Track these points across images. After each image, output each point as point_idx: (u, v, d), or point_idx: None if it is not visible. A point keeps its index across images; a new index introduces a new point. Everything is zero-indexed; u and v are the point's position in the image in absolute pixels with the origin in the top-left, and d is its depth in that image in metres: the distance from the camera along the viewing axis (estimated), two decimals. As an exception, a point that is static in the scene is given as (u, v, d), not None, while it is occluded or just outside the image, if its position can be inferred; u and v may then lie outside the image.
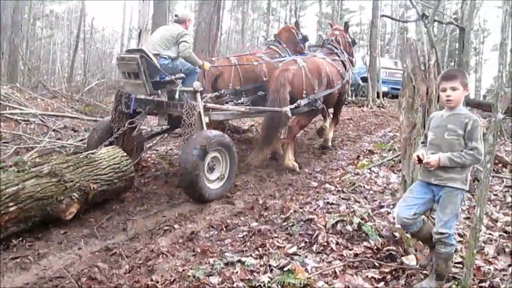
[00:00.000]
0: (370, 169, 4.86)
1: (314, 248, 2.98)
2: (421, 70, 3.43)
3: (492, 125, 2.30)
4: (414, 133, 3.37)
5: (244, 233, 3.38)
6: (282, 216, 3.63)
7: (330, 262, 2.78)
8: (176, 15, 5.40)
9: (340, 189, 4.28)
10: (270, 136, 5.15)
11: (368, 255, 2.84)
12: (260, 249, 2.99)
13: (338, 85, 6.04)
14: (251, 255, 2.87)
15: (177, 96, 4.80)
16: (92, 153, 4.08)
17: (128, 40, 21.34)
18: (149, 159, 5.68)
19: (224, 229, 3.51)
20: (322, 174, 5.19)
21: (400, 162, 4.97)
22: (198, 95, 4.59)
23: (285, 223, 3.47)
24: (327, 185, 4.44)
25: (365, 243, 2.99)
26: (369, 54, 15.84)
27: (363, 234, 3.12)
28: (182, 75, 4.99)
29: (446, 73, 2.63)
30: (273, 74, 5.71)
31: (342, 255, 2.85)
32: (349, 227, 3.21)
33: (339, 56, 6.50)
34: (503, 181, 4.20)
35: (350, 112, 10.64)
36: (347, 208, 3.61)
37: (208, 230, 3.50)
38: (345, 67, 6.44)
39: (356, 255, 2.86)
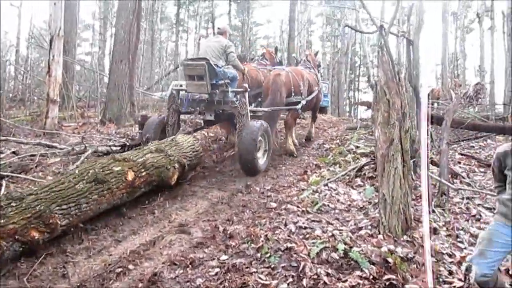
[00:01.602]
0: (327, 185, 4.65)
1: (304, 282, 2.64)
2: (394, 83, 3.28)
3: None
4: (392, 149, 3.20)
5: (216, 269, 2.92)
6: (253, 245, 3.23)
7: (329, 299, 2.45)
8: (218, 28, 6.76)
9: (303, 209, 3.98)
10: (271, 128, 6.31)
11: (366, 287, 2.56)
12: (243, 289, 2.57)
13: (316, 91, 7.87)
14: (236, 299, 2.44)
15: (230, 95, 6.18)
16: (174, 139, 5.31)
17: (28, 48, 19.31)
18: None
19: (190, 266, 3.02)
20: (275, 192, 4.89)
21: (356, 177, 4.87)
22: (246, 94, 6.09)
23: (259, 254, 3.08)
24: (288, 206, 4.12)
25: (358, 272, 2.72)
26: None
27: (352, 262, 2.84)
28: (228, 80, 6.17)
29: None
30: (266, 79, 7.21)
31: (339, 289, 2.54)
32: (334, 255, 2.92)
33: (312, 70, 8.39)
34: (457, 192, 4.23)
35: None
36: (323, 232, 3.33)
37: (171, 269, 2.98)
38: (318, 79, 8.31)
39: (352, 287, 2.57)
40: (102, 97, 13.31)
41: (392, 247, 2.97)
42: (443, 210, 3.63)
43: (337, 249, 2.96)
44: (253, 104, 6.96)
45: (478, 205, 3.91)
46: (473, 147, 6.71)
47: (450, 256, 2.91)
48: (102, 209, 3.80)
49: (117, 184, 3.94)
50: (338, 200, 4.21)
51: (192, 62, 6.11)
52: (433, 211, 3.61)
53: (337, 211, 3.94)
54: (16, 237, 2.97)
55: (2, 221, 2.93)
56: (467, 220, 3.50)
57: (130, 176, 4.10)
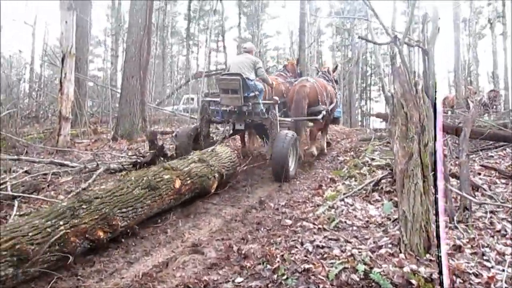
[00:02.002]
0: (343, 200, 4.52)
1: (323, 307, 2.52)
2: (411, 95, 3.17)
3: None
4: (412, 163, 3.08)
5: (232, 293, 2.82)
6: (268, 266, 3.11)
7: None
8: (244, 47, 7.29)
9: (320, 226, 3.86)
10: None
11: (390, 311, 2.43)
12: (262, 315, 2.45)
13: (334, 103, 8.35)
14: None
15: (261, 107, 6.71)
16: (213, 149, 5.80)
17: (41, 66, 19.56)
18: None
19: (204, 289, 2.92)
20: (290, 208, 4.77)
21: (374, 192, 4.73)
22: (276, 106, 6.67)
23: (275, 276, 2.96)
24: (304, 223, 4.00)
25: (380, 295, 2.59)
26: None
27: (373, 284, 2.71)
28: (257, 92, 6.78)
29: None
30: (292, 89, 7.68)
31: (362, 315, 2.41)
32: (354, 276, 2.78)
33: (332, 83, 8.84)
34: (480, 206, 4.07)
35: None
36: (341, 251, 3.19)
37: (186, 292, 2.88)
38: (336, 92, 8.85)
39: (375, 312, 2.44)
40: (115, 112, 13.39)
41: (414, 267, 2.84)
42: (467, 226, 3.48)
43: (357, 270, 2.83)
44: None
45: (503, 219, 3.74)
46: (492, 156, 6.53)
47: (476, 276, 2.76)
48: (152, 213, 4.24)
49: (167, 191, 4.40)
50: (355, 216, 4.07)
51: (227, 77, 6.66)
52: (456, 227, 3.46)
53: (354, 228, 3.81)
54: (86, 235, 3.38)
55: (76, 221, 3.36)
56: (492, 237, 3.34)
57: (178, 184, 4.57)
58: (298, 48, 18.85)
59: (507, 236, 3.39)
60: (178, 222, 4.34)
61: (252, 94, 6.66)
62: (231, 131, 7.54)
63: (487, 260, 2.93)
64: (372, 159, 6.62)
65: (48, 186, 5.41)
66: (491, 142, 6.65)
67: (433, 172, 3.79)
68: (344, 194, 4.82)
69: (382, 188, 4.75)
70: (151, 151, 6.15)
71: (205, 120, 7.12)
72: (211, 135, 7.55)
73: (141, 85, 9.53)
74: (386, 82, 43.34)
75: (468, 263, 2.90)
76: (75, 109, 9.74)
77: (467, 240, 3.24)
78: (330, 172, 6.60)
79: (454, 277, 2.71)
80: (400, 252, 3.05)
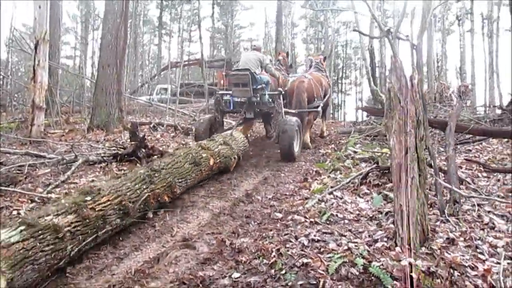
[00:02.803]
0: (332, 193, 4.52)
1: (327, 302, 2.50)
2: (408, 89, 3.17)
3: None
4: (408, 158, 3.09)
5: (230, 289, 2.76)
6: (265, 261, 3.07)
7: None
8: (254, 45, 8.66)
9: (311, 220, 3.84)
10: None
11: (394, 306, 2.43)
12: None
13: (329, 93, 9.52)
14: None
15: (267, 97, 7.75)
16: (232, 134, 6.64)
17: (8, 52, 18.70)
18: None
19: (200, 285, 2.84)
20: (278, 201, 4.73)
21: (362, 185, 4.76)
22: (281, 96, 7.80)
23: (273, 271, 2.92)
24: (295, 216, 3.98)
25: (381, 290, 2.59)
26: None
27: (373, 277, 2.71)
28: (264, 84, 7.72)
29: None
30: (292, 85, 8.57)
31: (366, 310, 2.40)
32: (354, 270, 2.78)
33: (324, 73, 9.70)
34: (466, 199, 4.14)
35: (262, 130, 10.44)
36: (338, 245, 3.18)
37: (181, 289, 2.80)
38: (329, 82, 9.84)
39: (379, 306, 2.44)
40: (87, 102, 12.99)
41: (412, 260, 2.85)
42: (458, 219, 3.53)
43: (356, 264, 2.82)
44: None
45: (489, 212, 3.83)
46: (470, 150, 6.69)
47: (472, 269, 2.80)
48: (193, 184, 5.11)
49: (204, 167, 5.32)
50: (346, 210, 4.08)
51: (238, 73, 7.59)
52: (447, 220, 3.51)
53: (346, 221, 3.81)
54: (158, 198, 4.21)
55: (152, 186, 4.16)
56: (482, 229, 3.41)
57: (211, 161, 5.51)
58: (275, 39, 18.84)
59: (495, 229, 3.46)
60: (165, 215, 4.23)
61: (259, 87, 7.60)
62: (241, 120, 8.42)
63: (481, 253, 2.98)
64: (355, 152, 6.67)
65: (25, 178, 5.18)
66: (468, 136, 6.80)
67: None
68: (331, 187, 4.82)
69: (370, 181, 4.78)
70: (133, 143, 5.98)
71: (219, 111, 8.09)
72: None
73: (117, 74, 9.27)
74: (356, 75, 43.86)
75: (463, 256, 2.93)
76: (47, 98, 9.37)
77: (460, 233, 3.29)
78: (313, 165, 6.60)
79: (451, 270, 2.74)
80: (396, 246, 3.07)
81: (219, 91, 8.48)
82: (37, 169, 5.56)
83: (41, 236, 2.75)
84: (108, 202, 3.50)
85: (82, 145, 7.20)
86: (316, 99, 8.57)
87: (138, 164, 5.91)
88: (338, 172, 5.64)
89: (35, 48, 7.77)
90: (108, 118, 9.20)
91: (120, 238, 3.70)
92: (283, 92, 7.92)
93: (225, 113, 8.49)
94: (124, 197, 3.70)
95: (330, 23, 37.66)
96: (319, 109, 8.66)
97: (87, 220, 3.19)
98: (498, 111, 10.30)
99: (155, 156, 6.35)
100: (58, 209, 3.08)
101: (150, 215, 4.10)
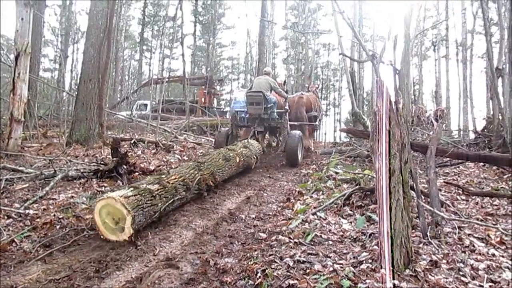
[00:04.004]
0: (315, 214, 4.54)
1: (314, 325, 2.48)
2: (394, 113, 3.25)
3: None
4: (394, 180, 3.14)
5: (215, 311, 2.72)
6: (250, 282, 3.05)
7: None
8: (265, 70, 10.36)
9: (296, 240, 3.84)
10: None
11: (380, 329, 2.43)
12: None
13: (321, 112, 11.92)
14: None
15: (275, 114, 9.45)
16: (248, 141, 8.23)
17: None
18: (47, 216, 4.56)
19: (185, 306, 2.80)
20: (261, 221, 4.72)
21: (345, 206, 4.79)
22: (287, 114, 9.57)
23: (259, 292, 2.90)
24: (279, 236, 3.97)
25: (367, 312, 2.59)
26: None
27: (359, 300, 2.72)
28: (272, 104, 9.38)
29: None
30: (292, 100, 10.62)
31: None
32: (340, 293, 2.78)
33: (318, 98, 12.31)
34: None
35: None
36: (323, 266, 3.18)
37: (165, 311, 2.75)
38: (321, 106, 12.50)
39: (365, 329, 2.44)
40: (66, 116, 12.80)
41: (397, 282, 2.87)
42: (440, 241, 3.59)
43: (342, 286, 2.83)
44: None
45: (469, 234, 3.90)
46: (448, 173, 6.84)
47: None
48: (226, 177, 6.56)
49: (233, 163, 6.78)
50: (329, 230, 4.09)
51: (253, 94, 9.21)
52: (430, 243, 3.56)
53: (330, 242, 3.82)
54: (206, 182, 5.58)
55: (201, 172, 5.57)
56: (464, 252, 3.47)
57: (238, 159, 6.99)
58: (256, 59, 19.03)
59: (476, 251, 3.52)
60: (148, 234, 4.16)
61: (270, 105, 9.25)
62: (252, 133, 9.72)
63: (464, 276, 3.02)
64: (336, 173, 6.73)
65: (2, 193, 5.03)
66: (446, 159, 6.97)
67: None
68: (314, 207, 4.85)
69: (353, 202, 4.82)
70: (114, 159, 5.89)
71: (234, 125, 9.63)
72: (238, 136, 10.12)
73: (99, 89, 9.18)
74: (335, 96, 44.53)
75: (446, 278, 2.97)
76: (25, 111, 9.19)
77: (442, 255, 3.34)
78: (296, 185, 6.63)
79: (435, 293, 2.77)
80: (381, 268, 3.08)
81: (235, 109, 10.30)
82: (14, 184, 5.42)
83: (143, 195, 4.18)
84: (176, 179, 4.93)
85: (61, 160, 7.05)
86: (313, 111, 10.76)
87: (119, 181, 5.82)
88: (321, 192, 5.67)
89: (16, 60, 7.63)
90: (88, 133, 9.06)
91: (103, 256, 3.61)
92: (289, 110, 9.69)
93: (240, 127, 10.04)
94: (185, 177, 5.12)
95: (310, 45, 38.31)
96: (317, 122, 10.89)
97: (166, 188, 4.61)
98: (473, 136, 10.59)
99: (136, 173, 6.28)
100: (147, 181, 4.64)
101: (205, 194, 5.53)
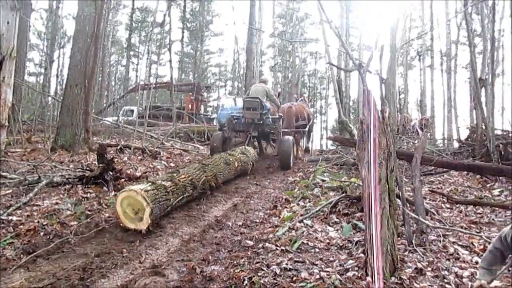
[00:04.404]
0: (302, 221, 4.56)
1: (301, 333, 2.49)
2: (380, 122, 3.29)
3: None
4: (380, 188, 3.17)
5: (202, 320, 2.70)
6: (237, 290, 3.05)
7: None
8: (261, 79, 11.53)
9: (282, 248, 3.85)
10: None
11: (366, 336, 2.45)
12: None
13: (311, 121, 12.81)
14: None
15: (270, 121, 9.87)
16: (245, 147, 8.80)
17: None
18: (31, 223, 4.48)
19: (171, 315, 2.78)
20: (248, 228, 4.72)
21: (331, 213, 4.82)
22: (280, 120, 10.06)
23: (245, 300, 2.90)
24: (266, 244, 3.97)
25: (353, 320, 2.61)
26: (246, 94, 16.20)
27: (345, 308, 2.73)
28: (267, 110, 9.82)
29: None
30: (282, 109, 11.31)
31: None
32: (326, 300, 2.79)
33: (307, 107, 13.19)
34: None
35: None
36: (310, 274, 3.20)
37: (151, 320, 2.72)
38: (311, 114, 13.27)
39: (351, 337, 2.45)
40: (50, 121, 12.64)
41: (382, 290, 2.89)
42: (425, 249, 3.63)
43: (329, 294, 2.84)
44: None
45: (454, 242, 3.95)
46: (433, 182, 6.92)
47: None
48: (226, 179, 7.02)
49: (232, 168, 7.32)
50: (316, 238, 4.11)
51: (250, 99, 9.84)
52: (415, 251, 3.60)
53: (317, 250, 3.83)
54: (209, 183, 6.09)
55: (205, 173, 6.09)
56: (448, 260, 3.51)
57: (236, 164, 7.54)
58: (244, 66, 19.09)
59: (460, 259, 3.57)
60: (136, 241, 4.13)
61: (265, 111, 9.74)
62: (248, 138, 10.17)
63: (448, 283, 3.06)
64: (323, 181, 6.76)
65: (-16, 199, 4.94)
66: (431, 168, 7.05)
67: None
68: (301, 215, 4.86)
69: (339, 210, 4.85)
70: (100, 165, 5.84)
71: (230, 129, 10.10)
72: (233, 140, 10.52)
73: (85, 95, 9.10)
74: (322, 104, 44.76)
75: (431, 286, 3.01)
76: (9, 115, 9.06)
77: (427, 263, 3.38)
78: (282, 192, 6.64)
79: (420, 300, 2.80)
80: (367, 275, 3.10)
81: (232, 114, 10.71)
82: (-3, 190, 5.33)
83: (159, 190, 4.73)
84: (185, 178, 5.47)
85: (45, 165, 6.96)
86: (300, 120, 11.55)
87: (105, 187, 5.76)
88: (307, 200, 5.69)
89: (0, 64, 7.50)
90: (74, 139, 8.96)
91: (88, 263, 3.57)
92: (282, 117, 10.29)
93: (236, 131, 10.48)
94: (193, 177, 5.67)
95: (297, 53, 38.55)
96: (306, 129, 12.02)
97: (177, 185, 5.16)
98: (456, 144, 10.76)
99: (123, 180, 6.22)
100: (161, 178, 5.31)
101: (209, 192, 6.07)
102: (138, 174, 6.87)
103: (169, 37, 18.52)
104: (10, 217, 4.43)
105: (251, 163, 8.32)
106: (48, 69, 24.84)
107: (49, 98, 15.25)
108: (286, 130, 10.35)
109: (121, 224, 4.43)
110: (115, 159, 6.82)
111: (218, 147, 9.44)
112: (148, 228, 4.35)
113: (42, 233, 4.17)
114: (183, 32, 42.81)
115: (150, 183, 4.72)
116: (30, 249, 3.74)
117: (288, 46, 36.86)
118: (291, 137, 9.59)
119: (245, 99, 10.21)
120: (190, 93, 23.34)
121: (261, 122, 9.74)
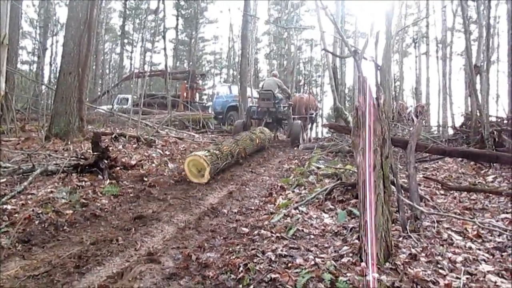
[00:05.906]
0: (297, 208, 4.57)
1: (295, 318, 2.51)
2: (375, 109, 3.29)
3: None
4: (375, 175, 3.18)
5: (197, 306, 2.72)
6: (232, 276, 3.06)
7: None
8: (273, 73, 13.14)
9: (278, 235, 3.86)
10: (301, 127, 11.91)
11: (360, 321, 2.47)
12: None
13: (318, 110, 16.49)
14: None
15: (282, 108, 12.11)
16: (262, 128, 10.59)
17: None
18: (26, 211, 4.48)
19: (167, 301, 2.79)
20: (243, 215, 4.73)
21: (326, 200, 4.84)
22: (291, 108, 12.26)
23: (240, 286, 2.91)
24: (261, 231, 3.99)
25: (347, 305, 2.63)
26: (240, 83, 16.13)
27: (340, 293, 2.75)
28: (278, 100, 12.06)
29: None
30: (295, 99, 14.16)
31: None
32: (321, 285, 2.81)
33: (315, 98, 16.25)
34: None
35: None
36: (305, 260, 3.21)
37: (147, 306, 2.73)
38: (317, 105, 16.44)
39: (345, 322, 2.47)
40: (44, 110, 12.56)
41: (377, 275, 2.91)
42: (419, 235, 3.66)
43: (323, 279, 2.86)
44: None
45: (447, 228, 3.98)
46: (427, 168, 6.96)
47: (434, 283, 2.90)
48: (250, 153, 8.74)
49: (255, 143, 9.08)
50: (311, 225, 4.13)
51: (264, 92, 12.03)
52: (409, 237, 3.63)
53: (312, 236, 3.85)
54: (241, 154, 7.94)
55: (238, 147, 7.96)
56: (442, 245, 3.54)
57: (258, 140, 9.25)
58: (239, 54, 18.98)
59: (454, 245, 3.60)
60: (131, 229, 4.13)
61: (277, 101, 11.93)
62: (263, 123, 12.02)
63: (442, 268, 3.09)
64: (318, 168, 6.78)
65: (-22, 188, 4.92)
66: (426, 155, 7.08)
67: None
68: (296, 202, 4.88)
69: (334, 197, 4.87)
70: (95, 153, 5.81)
71: (248, 117, 12.33)
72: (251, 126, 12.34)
73: (79, 83, 9.02)
74: (317, 92, 44.69)
75: (425, 271, 3.03)
76: (2, 104, 9.00)
77: (421, 249, 3.40)
78: (277, 179, 6.66)
79: (414, 285, 2.83)
80: (362, 261, 3.13)
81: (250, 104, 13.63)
82: (-9, 179, 5.30)
83: (213, 155, 6.56)
84: (226, 149, 7.29)
85: (40, 154, 6.92)
86: (310, 109, 14.38)
87: (100, 176, 5.74)
88: (303, 187, 5.71)
89: (-8, 52, 7.42)
90: (68, 127, 8.90)
91: (83, 252, 3.57)
92: (293, 105, 12.67)
93: (253, 118, 12.59)
94: (231, 148, 7.50)
95: (293, 40, 38.36)
96: (314, 116, 14.91)
97: (222, 153, 6.97)
98: (451, 131, 10.80)
99: (118, 168, 6.21)
100: (213, 148, 7.10)
101: (241, 161, 7.89)
102: (133, 162, 6.86)
103: (164, 24, 18.35)
104: (4, 206, 4.42)
105: (268, 140, 10.26)
106: (41, 57, 24.58)
107: (43, 87, 15.14)
108: (295, 116, 12.49)
109: (187, 180, 6.20)
110: (110, 148, 6.80)
111: (239, 131, 11.08)
112: (208, 181, 6.15)
113: (37, 222, 4.17)
114: (177, 19, 42.47)
115: (207, 151, 6.54)
116: (25, 238, 3.74)
117: (283, 33, 36.69)
118: (300, 121, 11.84)
119: (260, 91, 12.44)
120: (185, 81, 23.21)
121: (274, 109, 11.82)
